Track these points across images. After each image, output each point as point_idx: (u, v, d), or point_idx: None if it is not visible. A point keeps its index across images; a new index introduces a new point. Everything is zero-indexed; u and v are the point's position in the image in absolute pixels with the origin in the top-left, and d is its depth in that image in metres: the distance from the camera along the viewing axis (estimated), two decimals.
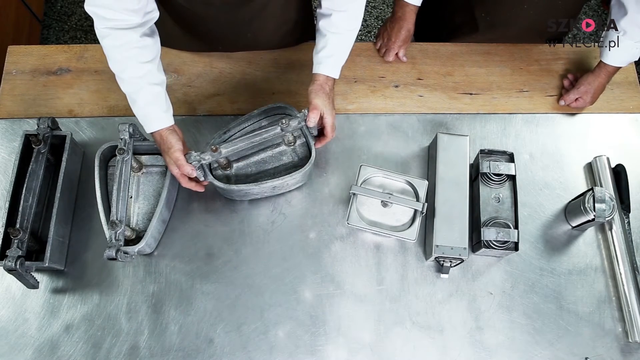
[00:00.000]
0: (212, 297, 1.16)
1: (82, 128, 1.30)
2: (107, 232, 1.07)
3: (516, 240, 1.12)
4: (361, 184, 1.17)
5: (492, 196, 1.20)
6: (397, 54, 1.39)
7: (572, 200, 1.24)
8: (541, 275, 1.20)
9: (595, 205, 1.14)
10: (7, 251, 1.04)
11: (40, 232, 1.16)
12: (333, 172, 1.28)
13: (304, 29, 1.41)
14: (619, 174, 1.26)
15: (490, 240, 1.14)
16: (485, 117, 1.36)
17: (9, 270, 1.04)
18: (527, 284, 1.19)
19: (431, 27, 1.55)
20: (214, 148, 1.09)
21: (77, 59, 1.38)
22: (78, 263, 1.18)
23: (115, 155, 1.12)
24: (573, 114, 1.38)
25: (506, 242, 1.13)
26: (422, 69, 1.42)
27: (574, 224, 1.23)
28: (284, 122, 1.12)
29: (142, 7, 0.99)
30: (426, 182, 1.17)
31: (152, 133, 1.09)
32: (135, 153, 1.17)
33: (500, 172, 1.18)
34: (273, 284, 1.17)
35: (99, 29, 1.01)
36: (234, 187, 1.13)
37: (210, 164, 1.16)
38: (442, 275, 1.18)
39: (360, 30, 1.18)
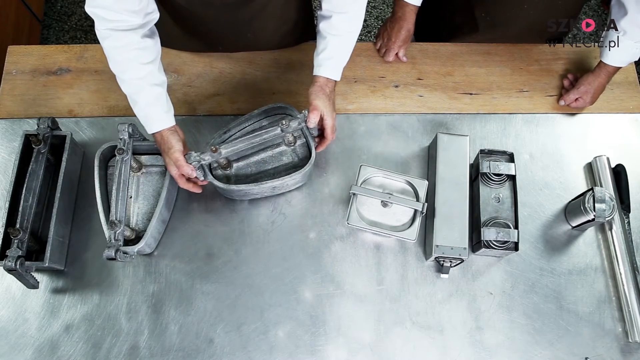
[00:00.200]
0: (212, 297, 1.16)
1: (82, 128, 1.30)
2: (107, 232, 1.07)
3: (516, 240, 1.12)
4: (361, 184, 1.17)
5: (492, 196, 1.20)
6: (397, 54, 1.39)
7: (572, 200, 1.24)
8: (541, 275, 1.20)
9: (595, 205, 1.14)
10: (7, 251, 1.04)
11: (40, 232, 1.16)
12: (333, 172, 1.28)
13: (304, 29, 1.41)
14: (619, 174, 1.26)
15: (490, 240, 1.14)
16: (485, 117, 1.36)
17: (9, 270, 1.04)
18: (527, 284, 1.19)
19: (431, 27, 1.55)
20: (214, 148, 1.09)
21: (77, 59, 1.38)
22: (78, 263, 1.18)
23: (115, 155, 1.12)
24: (573, 114, 1.38)
25: (506, 242, 1.13)
26: (422, 69, 1.42)
27: (574, 224, 1.23)
28: (284, 122, 1.12)
29: (142, 8, 0.99)
30: (426, 182, 1.17)
31: (153, 134, 1.09)
32: (135, 153, 1.17)
33: (500, 172, 1.18)
34: (273, 284, 1.17)
35: (99, 30, 1.01)
36: (233, 187, 1.13)
37: (210, 164, 1.16)
38: (442, 275, 1.18)
39: (360, 31, 1.18)
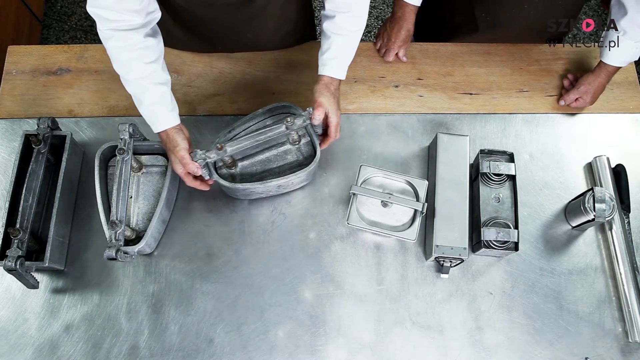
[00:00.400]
0: (212, 297, 1.16)
1: (82, 128, 1.30)
2: (107, 232, 1.07)
3: (516, 240, 1.12)
4: (361, 184, 1.17)
5: (492, 196, 1.20)
6: (397, 54, 1.39)
7: (572, 200, 1.24)
8: (541, 275, 1.20)
9: (595, 205, 1.14)
10: (7, 251, 1.04)
11: (40, 232, 1.16)
12: (333, 172, 1.28)
13: (304, 29, 1.41)
14: (619, 174, 1.26)
15: (490, 240, 1.14)
16: (485, 117, 1.36)
17: (9, 270, 1.04)
18: (527, 284, 1.19)
19: (431, 27, 1.55)
20: (219, 146, 1.09)
21: (77, 59, 1.38)
22: (78, 263, 1.18)
23: (115, 155, 1.12)
24: (573, 114, 1.38)
25: (506, 242, 1.13)
26: (422, 69, 1.42)
27: (574, 224, 1.23)
28: (289, 120, 1.12)
29: (143, 7, 0.99)
30: (426, 182, 1.17)
31: (158, 133, 1.09)
32: (135, 153, 1.17)
33: (500, 172, 1.18)
34: (273, 284, 1.17)
35: (101, 30, 1.01)
36: (239, 185, 1.13)
37: (215, 163, 1.16)
38: (442, 275, 1.18)
39: (364, 29, 1.18)
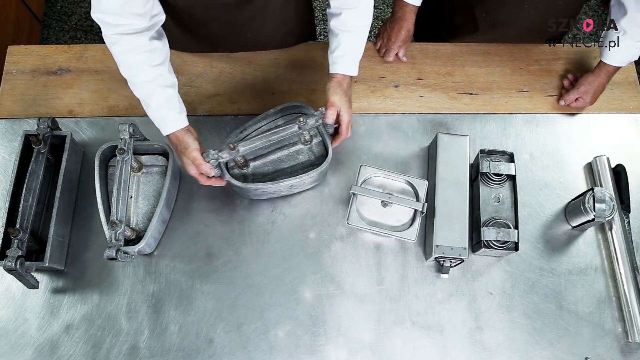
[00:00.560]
0: (212, 297, 1.16)
1: (82, 128, 1.30)
2: (107, 232, 1.07)
3: (516, 240, 1.12)
4: (361, 184, 1.17)
5: (492, 196, 1.20)
6: (397, 54, 1.39)
7: (572, 200, 1.24)
8: (541, 275, 1.20)
9: (595, 205, 1.14)
10: (7, 251, 1.04)
11: (40, 232, 1.16)
12: (333, 172, 1.28)
13: (304, 28, 1.41)
14: (619, 174, 1.26)
15: (490, 240, 1.14)
16: (485, 117, 1.36)
17: (9, 270, 1.04)
18: (527, 284, 1.19)
19: (431, 27, 1.55)
20: (232, 146, 1.09)
21: (77, 59, 1.38)
22: (78, 263, 1.18)
23: (115, 155, 1.12)
24: (573, 114, 1.38)
25: (506, 242, 1.13)
26: (422, 69, 1.42)
27: (574, 224, 1.23)
28: (301, 120, 1.12)
29: (148, 10, 0.99)
30: (426, 182, 1.17)
31: (167, 135, 1.09)
32: (135, 153, 1.17)
33: (500, 172, 1.18)
34: (273, 284, 1.17)
35: (107, 35, 1.01)
36: (251, 186, 1.13)
37: (227, 164, 1.16)
38: (442, 275, 1.18)
39: (370, 24, 1.18)
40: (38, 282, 1.12)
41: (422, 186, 1.17)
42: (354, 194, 1.15)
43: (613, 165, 1.27)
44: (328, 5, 1.16)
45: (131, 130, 1.13)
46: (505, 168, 1.18)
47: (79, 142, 1.26)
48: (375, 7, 2.54)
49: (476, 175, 1.21)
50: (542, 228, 1.25)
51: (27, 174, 1.13)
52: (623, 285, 1.17)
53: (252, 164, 1.20)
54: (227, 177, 1.12)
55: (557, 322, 1.16)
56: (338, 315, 1.15)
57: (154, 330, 1.13)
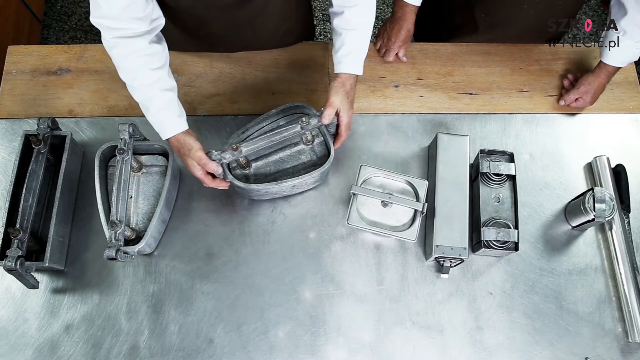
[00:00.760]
0: (212, 297, 1.16)
1: (82, 128, 1.30)
2: (107, 232, 1.07)
3: (516, 240, 1.12)
4: (361, 184, 1.17)
5: (492, 196, 1.20)
6: (397, 54, 1.39)
7: (572, 200, 1.24)
8: (541, 275, 1.20)
9: (595, 205, 1.14)
10: (7, 251, 1.04)
11: (40, 232, 1.16)
12: (333, 172, 1.28)
13: (304, 27, 1.41)
14: (619, 174, 1.26)
15: (490, 240, 1.14)
16: (485, 117, 1.36)
17: (9, 270, 1.04)
18: (527, 284, 1.19)
19: (431, 27, 1.55)
20: (235, 147, 1.09)
21: (77, 59, 1.38)
22: (78, 263, 1.18)
23: (115, 155, 1.12)
24: (573, 114, 1.38)
25: (506, 242, 1.13)
26: (422, 69, 1.42)
27: (574, 224, 1.23)
28: (304, 120, 1.12)
29: (148, 14, 0.99)
30: (426, 182, 1.17)
31: (168, 139, 1.09)
32: (135, 153, 1.17)
33: (500, 172, 1.18)
34: (273, 284, 1.17)
35: (106, 39, 1.00)
36: (253, 186, 1.13)
37: (229, 164, 1.16)
38: (442, 275, 1.18)
39: (374, 22, 1.18)
40: (38, 282, 1.12)
41: (422, 186, 1.17)
42: (354, 194, 1.15)
43: (613, 165, 1.27)
44: (330, 5, 1.16)
45: (131, 130, 1.13)
46: (505, 168, 1.18)
47: (79, 142, 1.26)
48: None
49: (476, 175, 1.21)
50: (542, 228, 1.25)
51: (27, 174, 1.13)
52: (623, 285, 1.17)
53: (254, 165, 1.20)
54: (230, 177, 1.12)
55: (557, 322, 1.16)
56: (338, 315, 1.15)
57: (154, 330, 1.13)
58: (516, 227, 1.15)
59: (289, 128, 1.13)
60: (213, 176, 1.11)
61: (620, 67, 1.29)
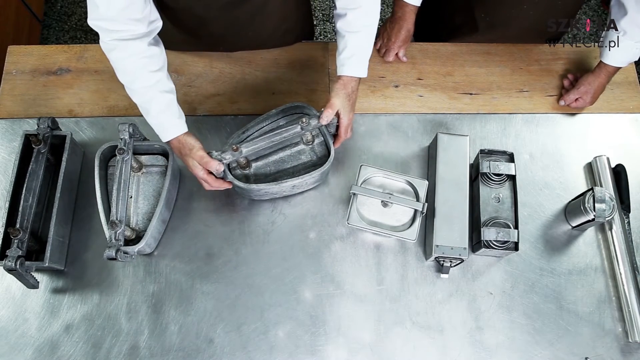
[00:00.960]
0: (212, 297, 1.16)
1: (82, 128, 1.30)
2: (107, 232, 1.07)
3: (516, 240, 1.12)
4: (361, 184, 1.17)
5: (492, 196, 1.20)
6: (397, 54, 1.39)
7: (572, 200, 1.24)
8: (541, 275, 1.20)
9: (595, 205, 1.14)
10: (7, 251, 1.04)
11: (40, 232, 1.16)
12: (333, 172, 1.28)
13: (303, 26, 1.41)
14: (619, 174, 1.26)
15: (490, 240, 1.14)
16: (485, 117, 1.36)
17: (9, 270, 1.04)
18: (527, 284, 1.19)
19: (431, 27, 1.55)
20: (235, 147, 1.08)
21: (77, 59, 1.38)
22: (78, 263, 1.18)
23: (115, 155, 1.12)
24: (573, 114, 1.38)
25: (506, 242, 1.13)
26: (422, 69, 1.42)
27: (574, 224, 1.23)
28: (304, 121, 1.12)
29: (146, 15, 0.99)
30: (426, 182, 1.17)
31: (168, 141, 1.09)
32: (135, 153, 1.17)
33: (500, 172, 1.18)
34: (273, 284, 1.17)
35: (105, 42, 1.00)
36: (254, 186, 1.13)
37: (229, 164, 1.16)
38: (442, 275, 1.18)
39: (377, 24, 1.18)
40: (38, 282, 1.12)
41: (422, 186, 1.17)
42: (354, 194, 1.15)
43: (613, 165, 1.27)
44: (334, 7, 1.16)
45: (131, 130, 1.13)
46: (505, 168, 1.18)
47: (79, 142, 1.26)
48: None
49: (476, 175, 1.21)
50: (542, 228, 1.25)
51: (27, 174, 1.13)
52: (623, 285, 1.17)
53: (254, 165, 1.20)
54: (230, 177, 1.12)
55: (557, 322, 1.16)
56: (338, 315, 1.15)
57: (154, 330, 1.13)
58: (516, 227, 1.15)
59: (289, 128, 1.13)
60: (215, 176, 1.11)
61: (620, 67, 1.29)
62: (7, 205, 1.10)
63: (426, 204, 1.14)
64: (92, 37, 2.50)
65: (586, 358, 1.14)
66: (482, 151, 1.22)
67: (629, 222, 1.23)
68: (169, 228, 1.21)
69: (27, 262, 1.06)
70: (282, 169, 1.20)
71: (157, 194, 1.19)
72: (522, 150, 1.32)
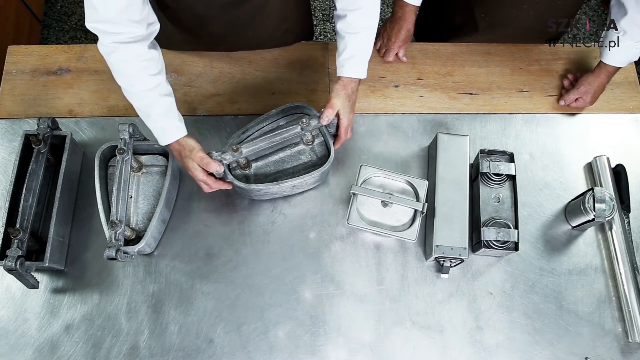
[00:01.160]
0: (212, 297, 1.16)
1: (82, 128, 1.30)
2: (107, 232, 1.07)
3: (516, 240, 1.12)
4: (361, 184, 1.17)
5: (492, 196, 1.20)
6: (397, 54, 1.39)
7: (572, 200, 1.24)
8: (541, 275, 1.20)
9: (595, 205, 1.14)
10: (7, 251, 1.04)
11: (40, 232, 1.16)
12: (333, 172, 1.28)
13: (303, 26, 1.41)
14: (619, 174, 1.26)
15: (490, 240, 1.14)
16: (485, 117, 1.36)
17: (9, 270, 1.04)
18: (527, 284, 1.19)
19: (431, 27, 1.55)
20: (235, 147, 1.08)
21: (77, 59, 1.38)
22: (78, 263, 1.18)
23: (115, 155, 1.12)
24: (573, 114, 1.38)
25: (506, 242, 1.13)
26: (422, 69, 1.42)
27: (574, 224, 1.23)
28: (304, 121, 1.12)
29: (144, 17, 0.99)
30: (426, 182, 1.17)
31: (168, 145, 1.08)
32: (135, 153, 1.17)
33: (500, 172, 1.18)
34: (273, 284, 1.17)
35: (104, 44, 1.00)
36: (254, 186, 1.13)
37: (229, 165, 1.16)
38: (442, 275, 1.18)
39: (377, 25, 1.18)
40: (38, 282, 1.12)
41: (422, 186, 1.17)
42: (354, 194, 1.15)
43: (613, 165, 1.27)
44: (334, 8, 1.16)
45: (131, 130, 1.13)
46: (505, 168, 1.18)
47: (79, 142, 1.26)
48: None
49: (476, 175, 1.21)
50: (542, 228, 1.25)
51: (27, 174, 1.13)
52: (623, 285, 1.17)
53: (254, 165, 1.20)
54: (230, 178, 1.12)
55: (557, 322, 1.16)
56: (338, 315, 1.15)
57: (154, 330, 1.13)
58: (516, 227, 1.15)
59: (289, 129, 1.13)
60: (214, 177, 1.11)
61: (620, 67, 1.29)
62: (7, 205, 1.10)
63: (426, 204, 1.14)
64: (92, 37, 2.50)
65: (586, 358, 1.14)
66: (482, 151, 1.22)
67: (629, 222, 1.23)
68: (169, 228, 1.21)
69: (27, 262, 1.06)
70: (282, 169, 1.20)
71: (157, 194, 1.19)
72: (522, 150, 1.32)
